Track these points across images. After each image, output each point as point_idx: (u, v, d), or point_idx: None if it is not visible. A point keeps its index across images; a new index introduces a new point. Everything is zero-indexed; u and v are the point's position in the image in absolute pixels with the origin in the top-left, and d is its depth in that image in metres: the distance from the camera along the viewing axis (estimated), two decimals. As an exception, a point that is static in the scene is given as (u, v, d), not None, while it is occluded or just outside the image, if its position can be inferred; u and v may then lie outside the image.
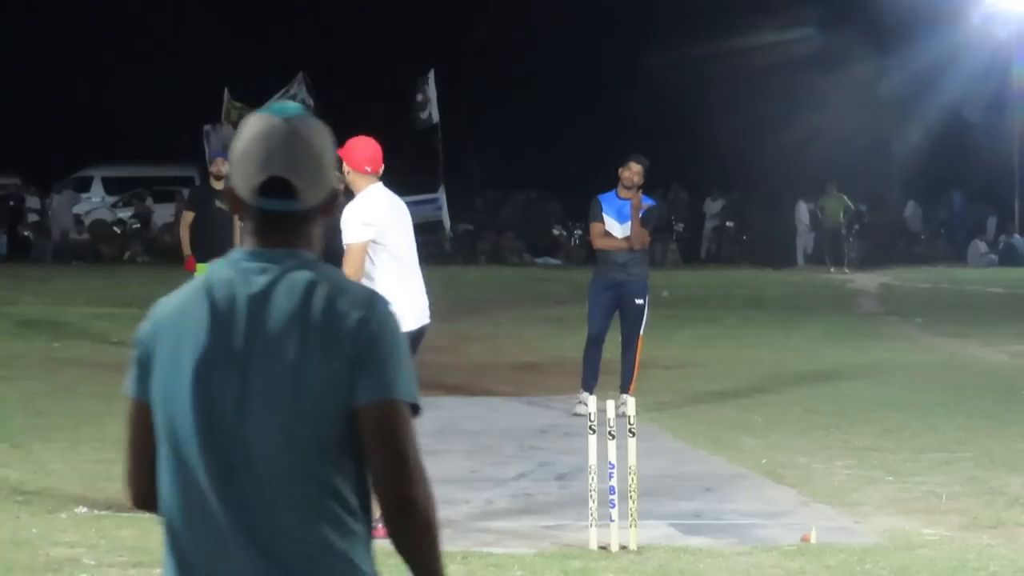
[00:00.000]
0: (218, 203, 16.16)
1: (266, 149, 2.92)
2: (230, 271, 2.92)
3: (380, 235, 8.36)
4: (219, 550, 2.86)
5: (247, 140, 2.94)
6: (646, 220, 12.80)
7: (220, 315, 2.88)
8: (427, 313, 8.67)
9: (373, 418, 2.84)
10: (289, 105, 3.03)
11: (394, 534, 2.94)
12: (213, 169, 16.62)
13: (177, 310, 2.94)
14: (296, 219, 2.94)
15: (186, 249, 16.01)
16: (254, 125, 2.95)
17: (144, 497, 3.04)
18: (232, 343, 2.87)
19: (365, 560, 2.96)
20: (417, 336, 8.47)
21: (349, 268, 8.23)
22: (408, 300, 8.29)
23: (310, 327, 2.85)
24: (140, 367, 3.00)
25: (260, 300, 2.88)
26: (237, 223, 16.45)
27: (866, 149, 37.46)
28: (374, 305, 2.90)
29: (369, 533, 2.96)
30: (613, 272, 12.75)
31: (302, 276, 2.89)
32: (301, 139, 2.93)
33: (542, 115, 41.55)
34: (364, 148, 8.53)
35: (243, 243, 2.98)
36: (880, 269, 32.73)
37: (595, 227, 12.95)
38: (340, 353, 2.84)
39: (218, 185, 16.35)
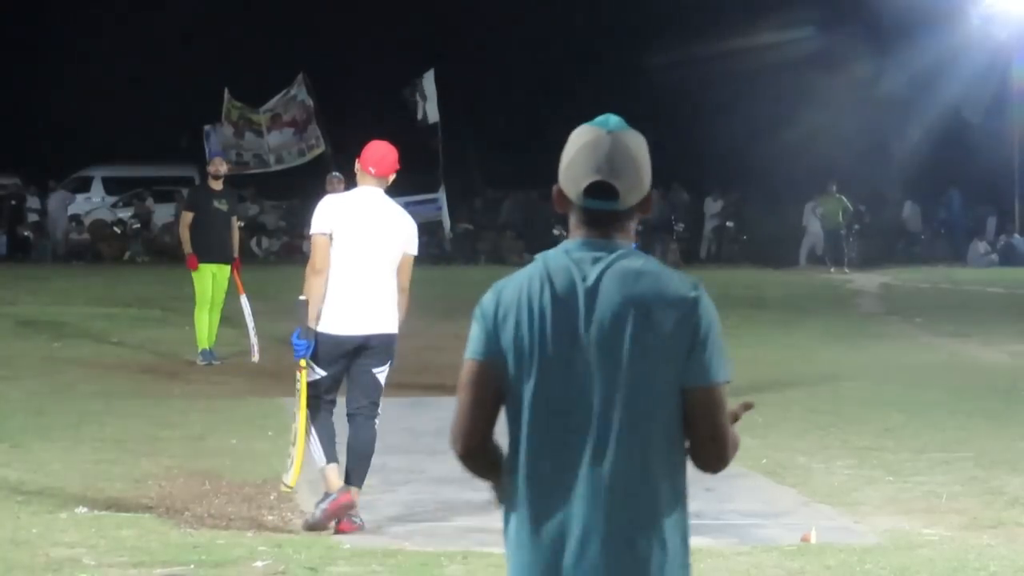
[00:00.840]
0: (216, 203, 16.11)
1: (593, 158, 3.39)
2: (566, 259, 3.40)
3: (336, 234, 8.33)
4: (561, 488, 3.36)
5: (576, 149, 3.42)
6: None
7: (561, 300, 3.37)
8: (368, 324, 8.30)
9: (698, 400, 3.37)
10: (611, 118, 3.48)
11: (699, 468, 3.53)
12: (211, 169, 16.57)
13: (521, 290, 3.42)
14: (617, 216, 3.42)
15: (187, 248, 15.99)
16: (582, 136, 3.43)
17: (473, 450, 3.50)
18: (574, 325, 3.35)
19: (679, 491, 3.52)
20: (355, 345, 8.32)
21: (312, 257, 8.38)
22: (339, 304, 8.28)
23: (642, 312, 3.33)
24: (485, 334, 3.44)
25: (595, 288, 3.36)
26: (235, 223, 16.44)
27: (866, 149, 37.44)
28: (699, 294, 3.37)
29: (683, 466, 3.48)
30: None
31: (631, 265, 3.37)
32: (623, 149, 3.41)
33: (543, 115, 41.52)
34: (375, 151, 8.53)
35: (571, 234, 3.44)
36: (880, 269, 32.73)
37: None
38: (668, 337, 3.32)
39: (216, 185, 16.29)
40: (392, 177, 8.54)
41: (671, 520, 3.50)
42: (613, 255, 3.37)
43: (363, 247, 8.32)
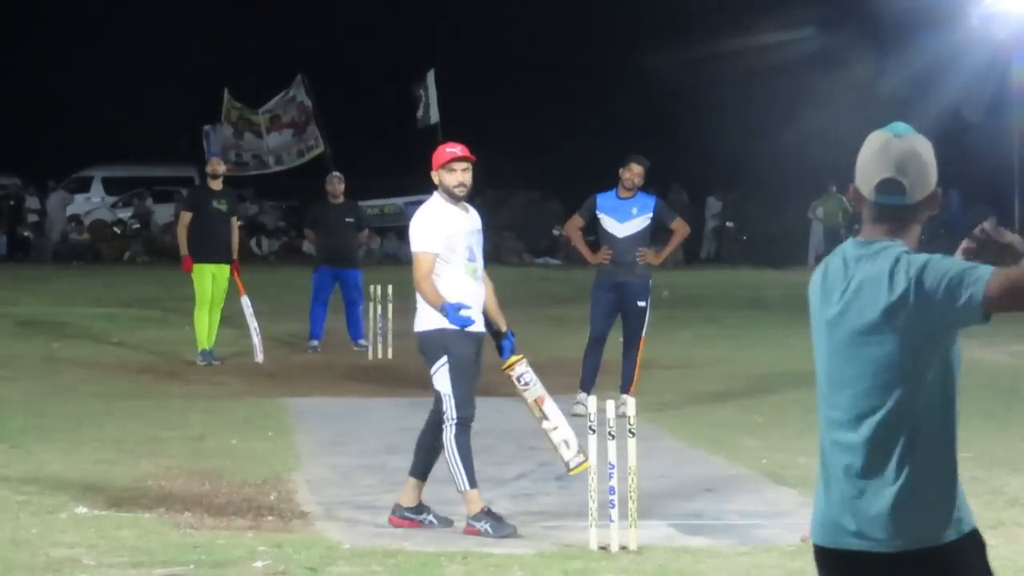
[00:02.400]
0: (215, 203, 16.09)
1: (883, 158, 3.86)
2: (841, 255, 3.85)
3: None
4: (839, 450, 3.78)
5: (870, 152, 3.89)
6: (668, 216, 13.17)
7: (827, 295, 3.84)
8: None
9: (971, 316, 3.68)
10: (899, 125, 3.95)
11: None
12: (209, 169, 16.54)
13: (812, 280, 3.92)
14: (902, 212, 3.83)
15: (183, 249, 15.97)
16: (875, 141, 3.90)
17: None
18: (834, 320, 3.80)
19: (948, 474, 3.75)
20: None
21: None
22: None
23: (887, 303, 3.69)
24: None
25: (851, 285, 3.77)
26: (235, 223, 16.42)
27: (866, 149, 37.40)
28: (896, 264, 3.71)
29: (950, 449, 3.76)
30: (615, 273, 12.76)
31: (886, 262, 3.73)
32: (910, 150, 3.86)
33: (543, 115, 41.53)
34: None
35: (862, 232, 3.89)
36: (880, 269, 32.68)
37: (573, 219, 13.30)
38: (910, 327, 3.67)
39: (215, 185, 16.27)
40: (436, 178, 9.02)
41: (939, 480, 3.75)
42: (873, 250, 3.78)
43: None
